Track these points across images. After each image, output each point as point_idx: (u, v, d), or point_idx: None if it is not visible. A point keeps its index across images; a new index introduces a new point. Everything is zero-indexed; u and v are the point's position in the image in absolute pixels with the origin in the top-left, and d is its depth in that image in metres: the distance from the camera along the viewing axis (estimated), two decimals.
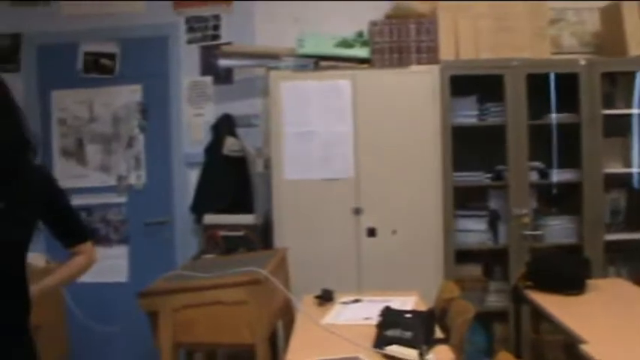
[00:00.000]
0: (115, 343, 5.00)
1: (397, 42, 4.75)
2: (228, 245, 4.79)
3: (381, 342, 2.89)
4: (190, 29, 5.35)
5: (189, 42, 5.35)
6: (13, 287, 2.40)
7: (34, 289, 2.55)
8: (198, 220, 5.09)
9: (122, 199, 5.45)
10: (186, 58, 5.36)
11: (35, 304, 2.53)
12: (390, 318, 3.12)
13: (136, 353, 5.06)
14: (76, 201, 5.37)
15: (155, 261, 5.18)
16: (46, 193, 2.53)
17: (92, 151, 5.46)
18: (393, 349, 2.77)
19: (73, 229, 2.72)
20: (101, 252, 5.32)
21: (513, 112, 4.73)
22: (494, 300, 4.92)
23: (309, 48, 4.81)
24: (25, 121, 2.46)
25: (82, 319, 3.72)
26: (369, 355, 2.80)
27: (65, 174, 5.41)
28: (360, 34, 4.91)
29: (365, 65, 4.78)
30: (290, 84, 4.68)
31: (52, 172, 5.17)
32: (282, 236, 4.67)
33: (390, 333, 2.93)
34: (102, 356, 5.18)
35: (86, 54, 5.45)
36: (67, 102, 5.45)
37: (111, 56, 5.44)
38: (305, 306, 3.74)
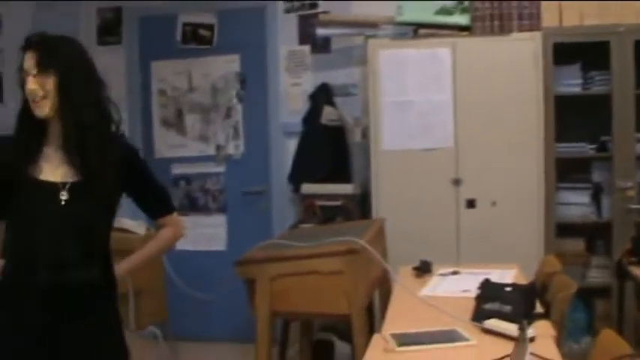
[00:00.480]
0: (212, 311, 5.08)
1: (498, 9, 4.61)
2: (326, 215, 4.78)
3: (479, 315, 2.83)
4: None
5: (287, 11, 5.33)
6: (97, 262, 2.41)
7: (122, 267, 2.59)
8: (296, 189, 5.10)
9: (220, 169, 5.51)
10: (284, 28, 5.34)
11: (131, 274, 2.57)
12: (489, 291, 3.05)
13: (233, 321, 5.12)
14: (176, 170, 5.52)
15: (252, 230, 5.22)
16: (129, 165, 2.48)
17: (191, 121, 5.53)
18: (492, 323, 2.70)
19: (158, 201, 2.68)
20: (200, 220, 5.51)
21: (619, 81, 4.54)
22: (596, 276, 4.76)
23: (408, 15, 4.72)
24: (107, 93, 2.43)
25: (181, 286, 3.78)
26: (467, 329, 2.75)
27: (165, 144, 5.52)
28: (459, 1, 4.79)
29: (465, 33, 4.67)
30: (388, 52, 4.61)
31: (153, 142, 5.35)
32: (380, 206, 4.63)
33: (489, 306, 2.86)
34: (200, 323, 5.28)
35: (185, 25, 5.51)
36: (167, 73, 5.53)
37: (209, 27, 5.48)
38: (402, 277, 3.70)
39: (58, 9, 5.29)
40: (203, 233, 5.45)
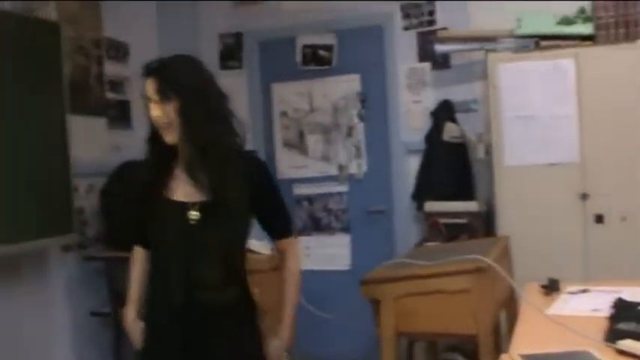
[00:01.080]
0: (336, 330, 5.09)
1: (623, 16, 4.46)
2: (450, 232, 4.73)
3: (613, 335, 2.72)
4: (406, 16, 5.32)
5: (406, 29, 5.32)
6: (232, 283, 2.45)
7: (283, 336, 2.63)
8: (419, 207, 5.06)
9: (343, 188, 5.54)
10: (403, 45, 5.33)
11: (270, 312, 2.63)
12: (622, 310, 2.93)
13: (358, 341, 5.12)
14: (298, 190, 5.59)
15: (376, 249, 5.22)
16: (256, 180, 2.50)
17: (313, 141, 5.59)
18: (628, 344, 2.59)
19: (282, 221, 2.66)
20: (323, 240, 5.55)
21: None
22: None
23: (528, 27, 4.63)
24: (229, 106, 2.47)
25: (305, 305, 3.81)
26: (600, 349, 2.64)
27: (287, 165, 5.60)
28: (581, 10, 4.66)
29: (588, 42, 4.53)
30: (509, 66, 4.53)
31: (275, 163, 5.42)
32: (505, 223, 4.54)
33: (624, 326, 2.75)
34: (324, 342, 5.30)
35: (304, 47, 5.59)
36: (288, 95, 5.62)
37: (328, 48, 5.53)
38: (529, 295, 3.61)
39: (181, 37, 5.48)
40: (326, 253, 5.49)
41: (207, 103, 2.39)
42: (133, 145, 5.11)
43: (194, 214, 2.39)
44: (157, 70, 2.39)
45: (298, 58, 5.59)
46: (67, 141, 4.19)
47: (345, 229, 5.54)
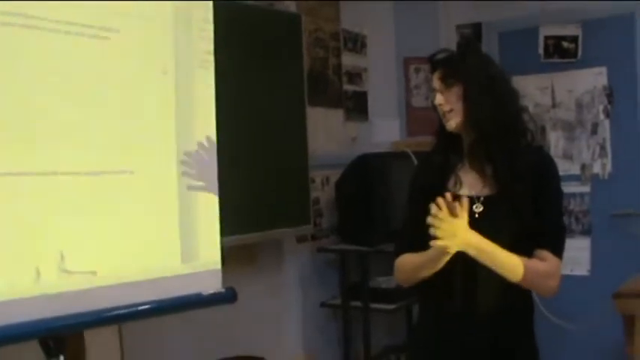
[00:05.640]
0: (575, 339, 4.80)
1: None
2: None
3: None
4: None
5: None
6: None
7: None
8: None
9: (585, 189, 5.21)
10: None
11: None
12: None
13: (600, 353, 4.78)
14: None
15: (619, 255, 4.85)
16: (541, 180, 2.35)
17: (555, 138, 5.31)
18: None
19: (552, 232, 2.37)
20: None
21: None
22: None
23: None
24: (519, 102, 2.41)
25: (544, 312, 3.59)
26: None
27: None
28: None
29: None
30: None
31: None
32: None
33: None
34: (561, 351, 5.00)
35: (547, 38, 5.32)
36: (529, 88, 5.35)
37: (573, 39, 5.23)
38: None
39: (417, 29, 5.42)
40: (565, 256, 5.19)
41: (492, 91, 2.32)
42: (369, 137, 5.13)
43: (478, 208, 2.32)
44: (442, 60, 2.39)
45: (540, 49, 5.33)
46: (305, 133, 4.22)
47: (586, 232, 5.20)
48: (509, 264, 2.24)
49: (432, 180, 2.41)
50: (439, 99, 2.36)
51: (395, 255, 2.50)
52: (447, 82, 2.34)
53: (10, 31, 2.29)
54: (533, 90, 5.35)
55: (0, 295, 2.24)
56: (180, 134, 2.74)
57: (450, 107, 2.34)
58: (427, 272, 2.33)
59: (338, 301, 4.71)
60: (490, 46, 5.48)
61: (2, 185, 2.26)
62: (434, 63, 2.40)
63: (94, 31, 2.51)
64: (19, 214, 2.30)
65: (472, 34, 5.55)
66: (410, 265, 2.41)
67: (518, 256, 2.25)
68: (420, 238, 2.28)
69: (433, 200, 2.21)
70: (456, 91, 2.32)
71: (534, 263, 2.28)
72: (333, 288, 4.74)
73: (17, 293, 2.29)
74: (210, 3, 2.86)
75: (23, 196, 2.32)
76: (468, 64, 2.35)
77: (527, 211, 2.29)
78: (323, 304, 4.73)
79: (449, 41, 5.54)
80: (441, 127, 2.43)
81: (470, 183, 2.37)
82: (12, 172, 2.29)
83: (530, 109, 5.24)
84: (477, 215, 2.30)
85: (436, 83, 2.38)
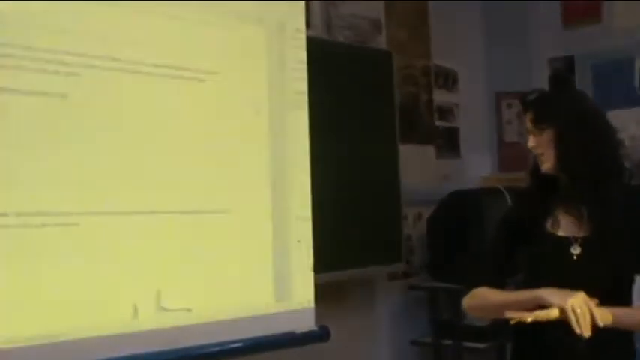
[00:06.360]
0: None
1: None
2: None
3: None
4: None
5: None
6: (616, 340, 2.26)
7: None
8: None
9: None
10: None
11: None
12: None
13: None
14: None
15: None
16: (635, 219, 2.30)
17: None
18: None
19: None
20: None
21: None
22: None
23: None
24: (615, 141, 2.37)
25: None
26: None
27: None
28: None
29: None
30: None
31: None
32: None
33: None
34: None
35: None
36: (625, 122, 5.22)
37: None
38: None
39: (508, 63, 5.35)
40: None
41: (585, 133, 2.28)
42: (461, 174, 5.07)
43: (576, 249, 2.27)
44: (533, 101, 2.37)
45: (636, 82, 5.19)
46: (397, 170, 4.21)
47: None
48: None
49: (529, 219, 2.38)
50: (531, 142, 2.35)
51: (473, 284, 2.46)
52: (538, 125, 2.33)
53: (112, 76, 2.36)
54: (629, 123, 5.21)
55: (99, 330, 2.29)
56: (275, 173, 2.78)
57: (542, 151, 2.33)
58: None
59: (428, 339, 4.64)
60: (583, 78, 5.36)
61: (104, 224, 2.32)
62: (525, 104, 2.39)
63: (191, 73, 2.57)
64: (119, 252, 2.36)
65: (564, 68, 5.44)
66: (493, 299, 2.37)
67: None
68: (502, 274, 2.42)
69: (530, 240, 2.21)
70: (548, 135, 2.30)
71: None
72: (423, 325, 4.67)
73: (115, 329, 2.35)
74: (304, 43, 2.90)
75: (123, 234, 2.38)
76: (560, 107, 2.33)
77: (623, 253, 2.24)
78: (414, 342, 4.67)
79: (541, 75, 5.46)
80: (536, 166, 2.40)
81: (567, 224, 2.33)
82: (111, 212, 2.35)
83: (627, 142, 5.14)
84: (574, 257, 2.27)
85: (528, 125, 2.37)
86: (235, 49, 2.72)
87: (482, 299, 2.42)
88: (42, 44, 2.26)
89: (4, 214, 2.15)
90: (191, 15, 2.59)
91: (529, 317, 2.11)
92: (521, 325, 2.22)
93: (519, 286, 2.37)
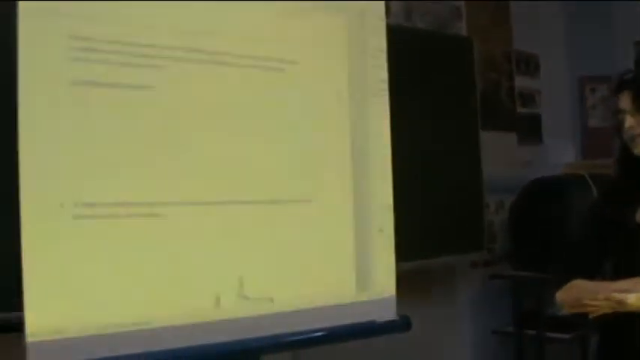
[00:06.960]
0: None
1: None
2: None
3: None
4: None
5: None
6: None
7: None
8: None
9: None
10: None
11: None
12: None
13: None
14: None
15: None
16: None
17: None
18: None
19: None
20: None
21: None
22: None
23: None
24: None
25: None
26: None
27: None
28: None
29: None
30: None
31: None
32: None
33: None
34: None
35: None
36: None
37: None
38: None
39: (591, 47, 5.23)
40: None
41: None
42: (544, 161, 4.98)
43: None
44: (632, 80, 2.30)
45: None
46: (479, 157, 4.15)
47: None
48: None
49: (617, 210, 2.31)
50: (630, 122, 2.25)
51: (566, 276, 2.38)
52: (638, 105, 2.23)
53: (195, 67, 2.39)
54: None
55: (182, 319, 2.32)
56: (356, 162, 2.76)
57: None
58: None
59: (510, 329, 4.58)
60: None
61: (187, 214, 2.35)
62: (622, 83, 2.30)
63: (273, 63, 2.58)
64: (202, 242, 2.39)
65: None
66: (594, 292, 2.29)
67: None
68: (596, 266, 2.33)
69: (620, 232, 2.13)
70: None
71: None
72: (504, 315, 4.61)
73: (198, 317, 2.38)
74: (384, 31, 2.87)
75: (206, 223, 2.40)
76: None
77: None
78: (495, 332, 4.62)
79: (625, 58, 5.31)
80: (624, 152, 2.33)
81: None
82: (195, 202, 2.38)
83: None
84: None
85: (625, 104, 2.26)
86: (316, 38, 2.72)
87: (580, 292, 2.31)
88: (127, 38, 2.29)
89: (92, 204, 2.19)
90: (272, 5, 2.59)
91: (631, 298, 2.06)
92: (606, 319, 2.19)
93: (606, 279, 2.31)
